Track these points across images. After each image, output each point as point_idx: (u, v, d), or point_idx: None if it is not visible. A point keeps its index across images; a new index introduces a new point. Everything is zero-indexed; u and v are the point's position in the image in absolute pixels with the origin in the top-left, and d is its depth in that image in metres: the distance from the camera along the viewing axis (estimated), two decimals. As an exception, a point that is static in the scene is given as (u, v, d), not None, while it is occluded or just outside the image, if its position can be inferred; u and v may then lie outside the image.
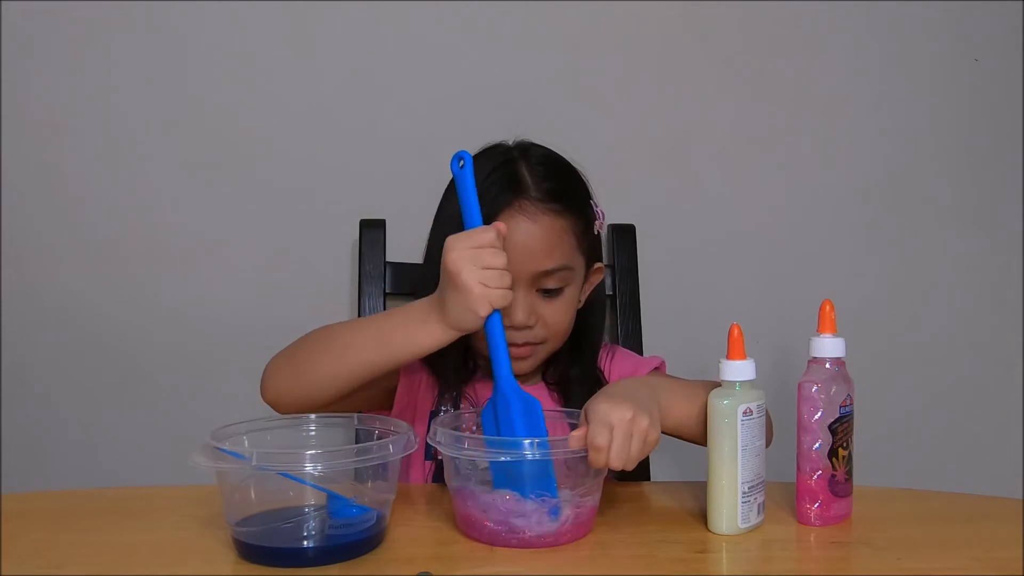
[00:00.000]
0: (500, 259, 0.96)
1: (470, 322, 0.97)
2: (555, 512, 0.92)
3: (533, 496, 0.92)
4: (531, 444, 0.93)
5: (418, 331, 1.00)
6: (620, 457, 0.91)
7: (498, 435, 0.98)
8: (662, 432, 1.01)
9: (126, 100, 1.56)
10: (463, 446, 0.93)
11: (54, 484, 1.25)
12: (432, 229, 1.20)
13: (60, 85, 1.55)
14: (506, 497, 0.93)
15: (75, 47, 1.54)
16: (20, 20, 1.53)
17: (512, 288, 1.02)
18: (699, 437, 1.02)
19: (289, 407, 1.07)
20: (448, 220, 1.14)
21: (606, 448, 0.90)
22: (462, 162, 1.00)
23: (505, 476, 0.94)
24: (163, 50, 1.56)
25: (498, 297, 0.96)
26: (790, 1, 1.62)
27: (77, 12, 1.53)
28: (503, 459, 0.92)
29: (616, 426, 0.91)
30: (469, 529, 0.95)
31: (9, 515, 0.99)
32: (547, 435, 0.98)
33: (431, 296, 1.01)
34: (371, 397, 1.17)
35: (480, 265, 0.95)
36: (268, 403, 1.08)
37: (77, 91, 1.55)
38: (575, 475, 0.95)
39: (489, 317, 0.97)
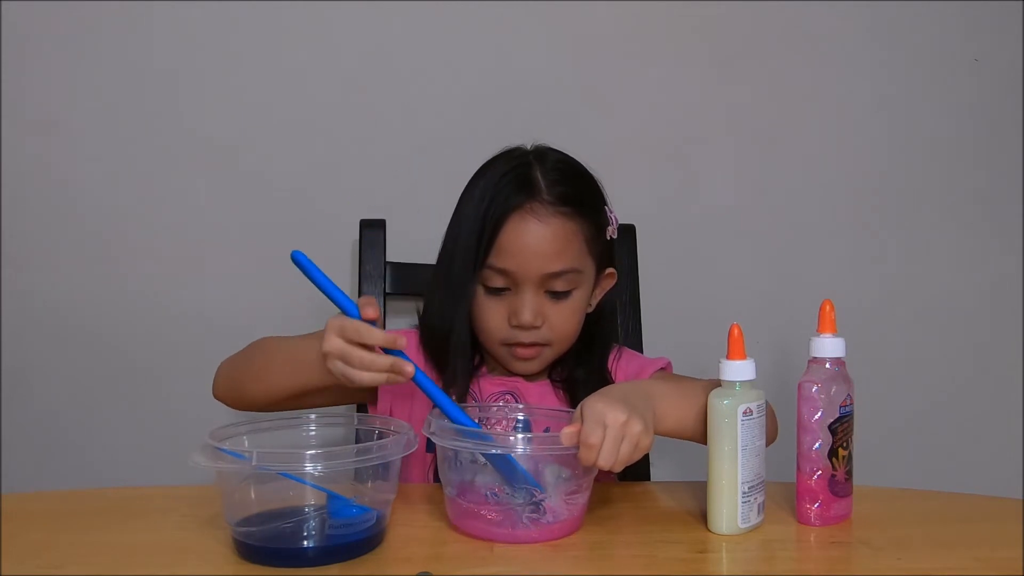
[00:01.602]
0: (367, 359, 0.97)
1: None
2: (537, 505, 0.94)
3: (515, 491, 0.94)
4: (524, 440, 0.94)
5: (323, 369, 1.02)
6: (609, 457, 0.91)
7: None
8: (662, 434, 1.01)
9: (126, 101, 1.56)
10: (459, 437, 0.94)
11: (54, 484, 1.25)
12: (448, 230, 1.20)
13: (59, 86, 1.55)
14: (496, 489, 0.94)
15: (74, 48, 1.54)
16: (20, 20, 1.53)
17: (521, 292, 1.13)
18: (699, 438, 1.02)
19: (235, 407, 1.17)
20: (463, 222, 1.16)
21: (597, 447, 0.91)
22: (298, 261, 1.01)
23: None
24: (163, 51, 1.56)
25: (369, 381, 0.99)
26: (791, 1, 1.62)
27: (77, 13, 1.53)
28: (494, 451, 0.93)
29: (609, 426, 0.91)
30: (462, 522, 0.95)
31: (9, 515, 0.99)
32: (528, 473, 0.97)
33: None
34: (340, 396, 1.18)
35: (347, 360, 0.98)
36: (218, 400, 1.18)
37: (76, 92, 1.55)
38: (567, 472, 0.95)
39: (416, 377, 0.99)
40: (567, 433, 0.92)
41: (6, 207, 1.55)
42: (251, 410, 1.15)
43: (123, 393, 1.59)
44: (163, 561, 0.89)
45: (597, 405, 0.93)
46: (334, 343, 0.98)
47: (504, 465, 0.94)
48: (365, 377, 0.98)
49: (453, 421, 0.98)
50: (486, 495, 0.94)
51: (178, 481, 1.11)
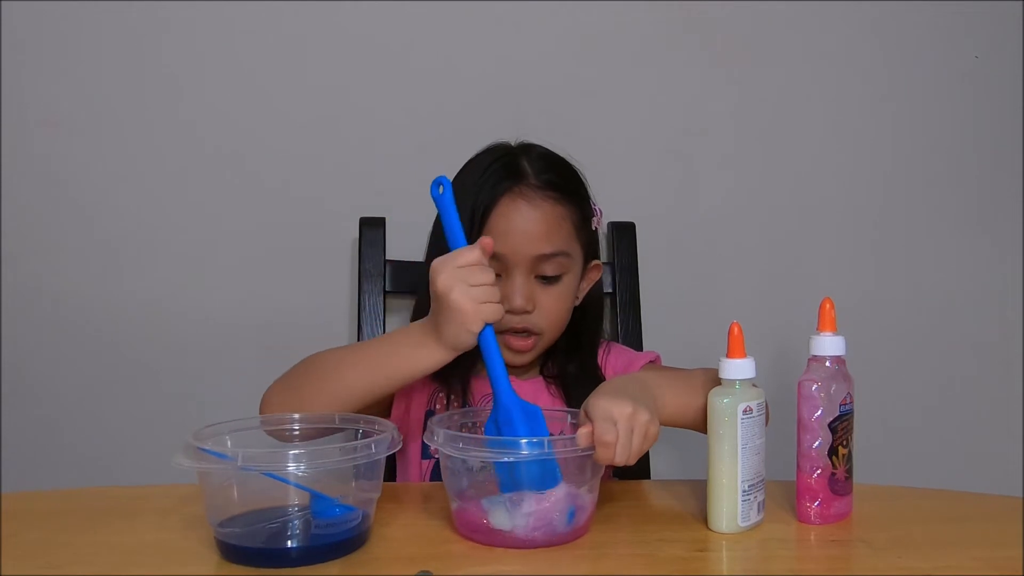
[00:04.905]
0: (487, 275, 0.99)
1: (465, 340, 1.00)
2: (570, 516, 0.93)
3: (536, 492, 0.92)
4: (540, 444, 0.92)
5: (417, 355, 1.02)
6: (625, 452, 0.92)
7: None
8: (663, 423, 1.01)
9: (127, 100, 1.56)
10: (462, 446, 0.92)
11: (54, 484, 1.25)
12: (434, 226, 1.20)
13: (59, 86, 1.55)
14: (511, 498, 0.93)
15: (73, 47, 1.54)
16: (19, 20, 1.53)
17: (511, 277, 1.12)
18: (698, 425, 1.02)
19: (291, 437, 1.07)
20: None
21: (614, 444, 0.91)
22: (441, 187, 1.01)
23: (510, 478, 0.94)
24: (163, 50, 1.56)
25: (490, 312, 0.98)
26: (791, 1, 1.62)
27: (76, 12, 1.53)
28: (506, 459, 0.92)
29: (619, 421, 0.91)
30: (469, 531, 0.94)
31: (9, 515, 0.99)
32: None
33: (424, 320, 1.03)
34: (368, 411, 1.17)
35: (469, 283, 0.97)
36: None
37: (76, 92, 1.55)
38: (579, 474, 0.94)
39: (481, 332, 0.99)
40: (582, 434, 0.92)
41: (7, 206, 1.55)
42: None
43: (124, 393, 1.59)
44: (163, 561, 0.88)
45: (601, 402, 0.93)
46: (450, 272, 0.96)
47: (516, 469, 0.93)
48: (488, 277, 0.97)
49: (504, 396, 0.98)
50: (486, 507, 0.93)
51: (178, 481, 1.10)
